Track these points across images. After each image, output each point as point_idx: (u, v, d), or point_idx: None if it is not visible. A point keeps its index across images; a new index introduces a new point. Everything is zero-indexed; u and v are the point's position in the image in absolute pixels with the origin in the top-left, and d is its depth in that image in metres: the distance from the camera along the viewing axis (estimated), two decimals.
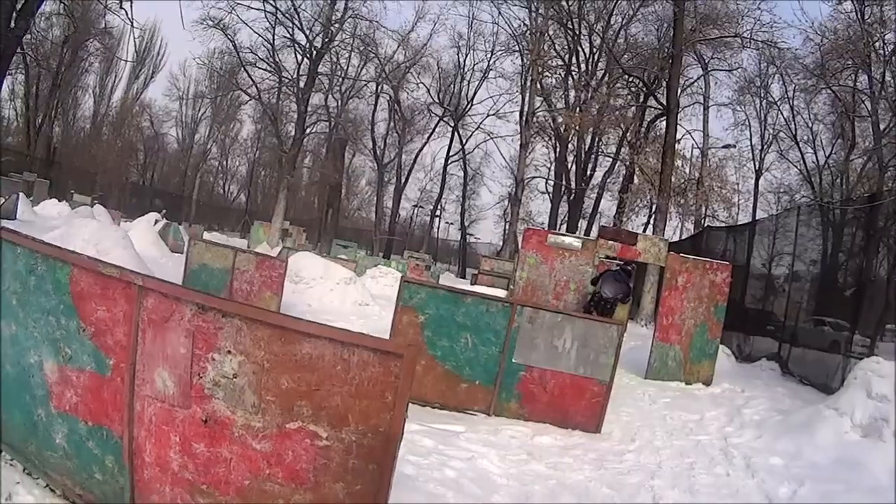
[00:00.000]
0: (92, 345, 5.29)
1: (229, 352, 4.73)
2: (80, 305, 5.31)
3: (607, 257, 19.36)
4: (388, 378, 4.48)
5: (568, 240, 18.53)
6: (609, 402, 11.25)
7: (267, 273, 19.56)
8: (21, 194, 35.76)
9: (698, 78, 50.40)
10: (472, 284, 39.05)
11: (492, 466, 8.92)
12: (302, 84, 51.42)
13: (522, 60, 58.18)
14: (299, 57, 52.26)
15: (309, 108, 55.06)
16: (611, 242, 18.18)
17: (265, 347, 4.67)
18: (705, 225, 40.64)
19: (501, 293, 23.40)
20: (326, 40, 51.39)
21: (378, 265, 36.55)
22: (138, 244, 29.39)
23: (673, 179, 36.37)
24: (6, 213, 30.11)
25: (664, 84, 41.67)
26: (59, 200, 44.53)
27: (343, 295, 24.00)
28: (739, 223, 38.63)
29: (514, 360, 11.16)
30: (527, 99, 55.67)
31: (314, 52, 51.19)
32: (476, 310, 11.30)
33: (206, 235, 49.40)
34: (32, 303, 5.60)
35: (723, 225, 38.32)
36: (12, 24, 24.62)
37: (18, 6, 24.79)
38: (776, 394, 14.89)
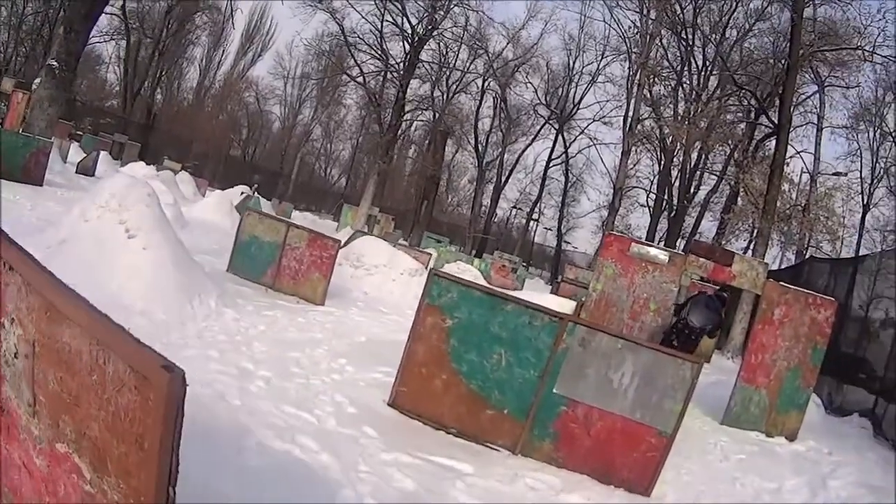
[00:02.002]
0: None
1: (13, 320, 3.03)
2: None
3: (700, 279, 16.80)
4: (145, 415, 2.40)
5: (653, 252, 15.53)
6: (670, 453, 8.59)
7: (318, 253, 17.75)
8: (104, 153, 38.37)
9: (812, 94, 47.91)
10: (552, 293, 36.24)
11: None
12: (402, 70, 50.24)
13: (630, 63, 56.36)
14: (406, 45, 51.41)
15: (414, 98, 55.61)
16: (702, 260, 15.19)
17: (35, 323, 2.89)
18: (808, 255, 37.81)
19: (571, 305, 20.84)
20: (430, 27, 50.29)
21: (458, 261, 34.05)
22: (211, 213, 29.26)
23: (778, 203, 33.34)
24: (84, 169, 32.68)
25: (777, 103, 38.93)
26: (148, 164, 44.45)
27: (406, 287, 21.89)
28: (846, 257, 36.06)
29: (554, 391, 8.65)
30: (632, 104, 52.58)
31: (416, 38, 50.25)
32: (516, 320, 8.85)
33: (295, 214, 50.28)
34: None
35: (829, 257, 35.64)
36: None
37: None
38: (867, 461, 12.16)
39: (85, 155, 35.65)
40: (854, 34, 36.88)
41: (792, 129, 37.55)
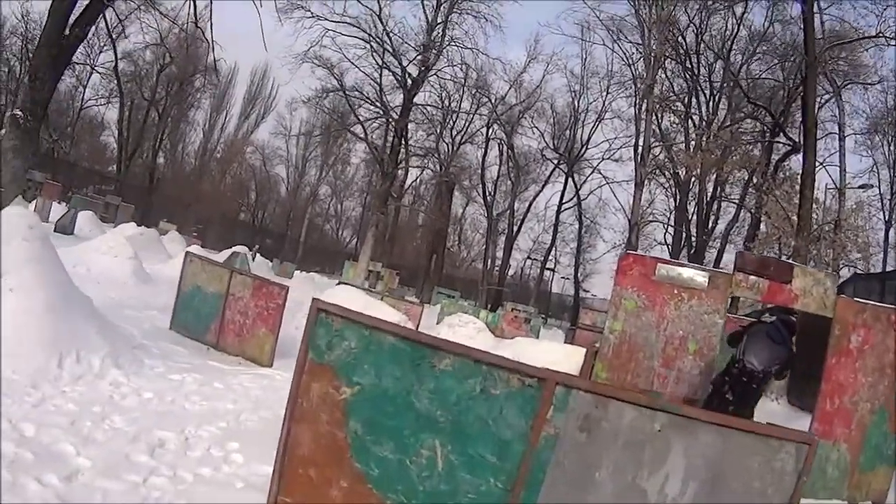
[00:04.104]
0: None
1: None
2: None
3: (755, 315, 12.80)
4: None
5: (688, 273, 10.97)
6: None
7: (263, 303, 14.12)
8: (87, 212, 38.60)
9: (829, 99, 45.27)
10: (566, 342, 31.37)
11: None
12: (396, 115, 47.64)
13: (636, 90, 52.59)
14: (401, 88, 48.58)
15: (418, 148, 53.88)
16: (752, 279, 10.76)
17: None
18: (853, 272, 34.65)
19: (579, 355, 15.49)
20: (423, 69, 47.08)
21: (461, 312, 29.84)
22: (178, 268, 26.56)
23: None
24: (61, 227, 32.69)
25: (791, 120, 40.12)
26: (138, 225, 41.99)
27: None
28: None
29: None
30: (642, 133, 49.49)
31: (409, 81, 47.02)
32: (459, 387, 4.72)
33: (298, 274, 46.39)
34: None
35: (874, 272, 32.85)
36: (66, 32, 22.78)
37: (77, 13, 22.90)
38: None
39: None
40: (869, 26, 35.10)
41: (806, 151, 34.41)
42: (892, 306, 10.97)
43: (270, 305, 14.06)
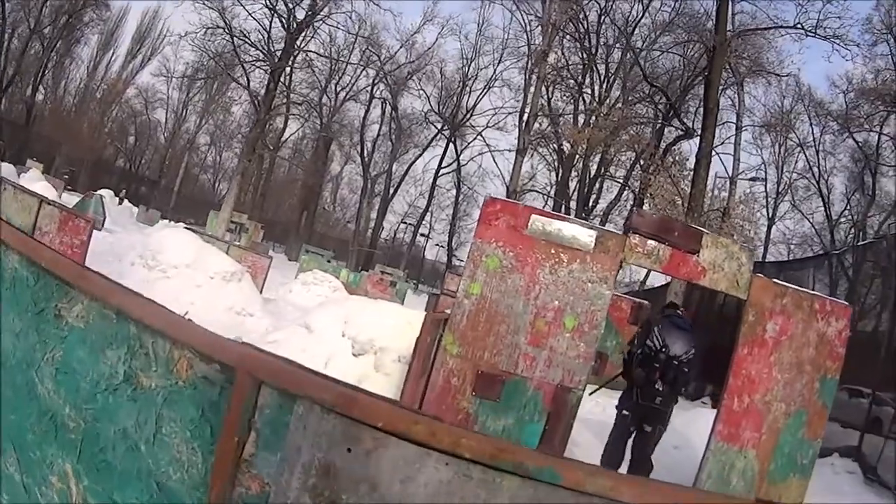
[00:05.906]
0: None
1: None
2: None
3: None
4: None
5: (570, 229, 8.34)
6: None
7: (69, 239, 12.60)
8: None
9: (729, 86, 45.31)
10: (427, 309, 28.02)
11: None
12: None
13: (529, 54, 52.06)
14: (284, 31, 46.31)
15: (299, 98, 52.97)
16: (651, 243, 8.49)
17: None
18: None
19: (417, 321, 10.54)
20: (310, 13, 44.90)
21: (315, 269, 27.53)
22: None
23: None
24: None
25: (685, 107, 41.34)
26: (7, 163, 40.56)
27: (216, 295, 15.37)
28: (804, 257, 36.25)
29: None
30: (529, 98, 48.70)
31: (293, 24, 44.81)
32: (94, 363, 2.28)
33: (163, 223, 43.66)
34: None
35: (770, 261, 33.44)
36: None
37: None
38: None
39: None
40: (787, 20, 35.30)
41: (705, 131, 34.32)
42: (817, 293, 9.56)
43: (75, 242, 12.47)
